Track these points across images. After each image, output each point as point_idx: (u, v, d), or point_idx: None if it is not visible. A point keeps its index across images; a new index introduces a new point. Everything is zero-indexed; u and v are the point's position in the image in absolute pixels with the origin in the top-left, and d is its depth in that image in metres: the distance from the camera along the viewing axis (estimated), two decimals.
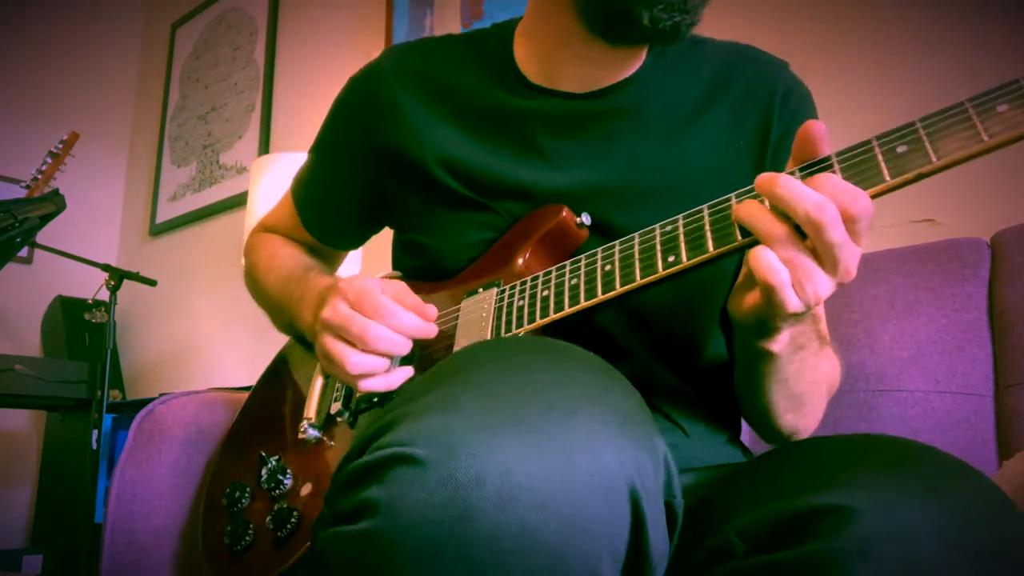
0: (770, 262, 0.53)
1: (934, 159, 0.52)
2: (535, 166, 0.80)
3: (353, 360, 0.69)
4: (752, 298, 0.58)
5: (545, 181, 0.79)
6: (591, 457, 0.44)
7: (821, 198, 0.52)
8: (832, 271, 0.54)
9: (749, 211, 0.55)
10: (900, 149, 0.53)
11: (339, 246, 1.03)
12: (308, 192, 0.98)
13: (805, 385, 0.71)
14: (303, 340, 0.90)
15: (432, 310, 0.73)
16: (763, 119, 0.79)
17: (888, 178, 0.53)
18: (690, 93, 0.81)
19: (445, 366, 0.52)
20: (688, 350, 0.80)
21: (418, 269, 0.85)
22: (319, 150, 0.96)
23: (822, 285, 0.54)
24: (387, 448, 0.44)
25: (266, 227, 1.05)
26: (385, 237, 1.02)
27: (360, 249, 1.09)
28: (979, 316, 1.03)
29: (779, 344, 0.62)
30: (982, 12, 1.30)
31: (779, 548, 0.47)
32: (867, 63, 1.41)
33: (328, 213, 0.97)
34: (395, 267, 0.94)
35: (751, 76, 0.81)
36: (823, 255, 0.53)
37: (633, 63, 0.80)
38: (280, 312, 0.92)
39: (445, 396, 0.47)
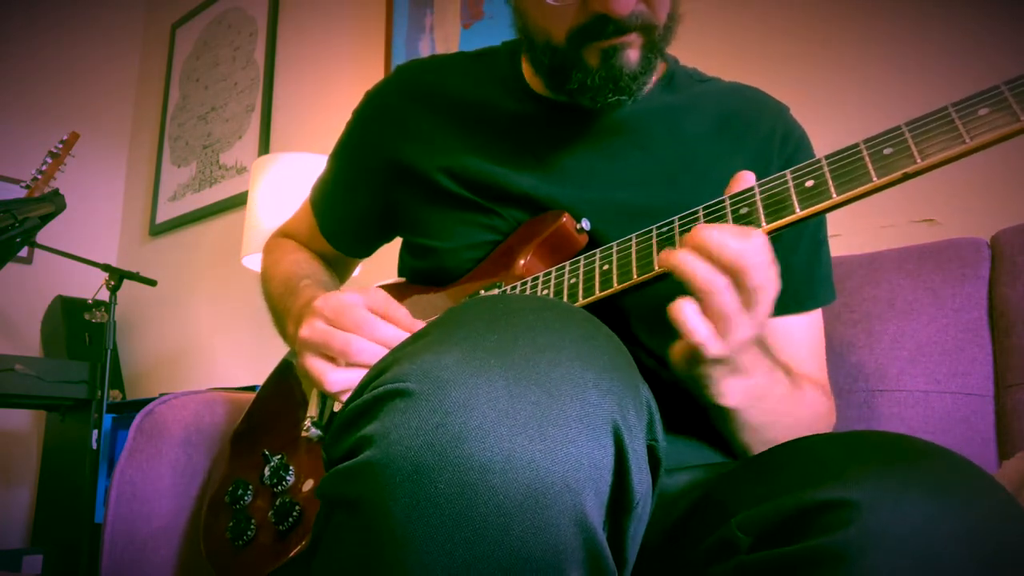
0: (692, 321, 0.58)
1: (918, 160, 0.55)
2: (535, 175, 0.82)
3: (331, 377, 0.69)
4: (680, 346, 0.62)
5: (544, 191, 0.81)
6: (574, 393, 0.45)
7: (743, 247, 0.56)
8: (753, 310, 0.58)
9: (682, 266, 0.58)
10: (887, 151, 0.56)
11: (353, 253, 1.04)
12: (325, 199, 1.00)
13: (782, 430, 0.71)
14: None
15: (408, 318, 0.71)
16: (763, 156, 0.82)
17: (875, 178, 0.56)
18: (694, 126, 0.84)
19: (439, 319, 0.53)
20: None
21: (424, 272, 0.86)
22: (335, 159, 0.99)
23: (743, 329, 0.58)
24: (380, 387, 0.46)
25: (284, 233, 1.07)
26: (386, 245, 1.03)
27: None
28: (979, 316, 1.03)
29: (732, 399, 0.64)
30: (970, 21, 1.30)
31: (784, 543, 0.46)
32: (857, 71, 1.41)
33: (343, 220, 0.99)
34: (401, 271, 0.95)
35: (753, 116, 0.85)
36: (746, 299, 0.58)
37: None
38: (278, 320, 0.93)
39: (436, 341, 0.49)
